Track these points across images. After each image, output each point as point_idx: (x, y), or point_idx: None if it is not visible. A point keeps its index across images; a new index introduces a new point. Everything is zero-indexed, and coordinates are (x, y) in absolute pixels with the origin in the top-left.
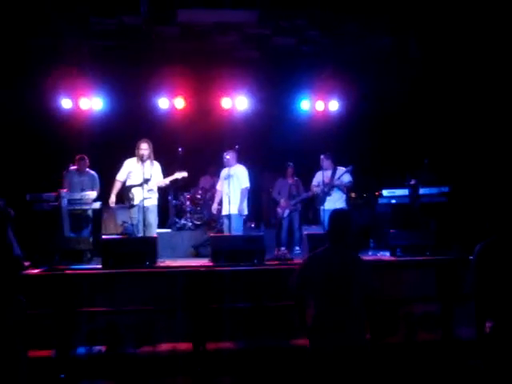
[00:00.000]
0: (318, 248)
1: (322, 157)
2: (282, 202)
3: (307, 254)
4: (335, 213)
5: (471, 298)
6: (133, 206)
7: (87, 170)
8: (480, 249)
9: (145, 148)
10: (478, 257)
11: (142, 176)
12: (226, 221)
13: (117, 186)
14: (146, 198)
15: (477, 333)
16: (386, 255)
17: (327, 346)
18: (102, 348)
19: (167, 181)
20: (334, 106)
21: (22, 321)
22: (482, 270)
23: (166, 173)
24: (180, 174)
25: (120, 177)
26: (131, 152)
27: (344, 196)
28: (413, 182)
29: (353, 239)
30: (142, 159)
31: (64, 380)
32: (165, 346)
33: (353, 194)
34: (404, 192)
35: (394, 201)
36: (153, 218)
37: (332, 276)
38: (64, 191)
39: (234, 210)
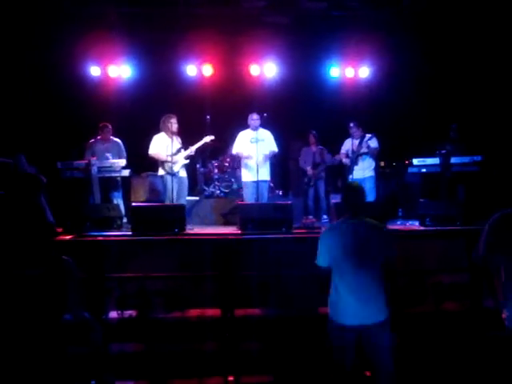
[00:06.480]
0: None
1: (350, 125)
2: (309, 170)
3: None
4: (347, 187)
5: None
6: (165, 174)
7: (111, 137)
8: (497, 218)
9: (176, 124)
10: (492, 225)
11: (175, 148)
12: (250, 187)
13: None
14: (179, 169)
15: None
16: (414, 225)
17: (348, 322)
18: (133, 313)
19: (195, 147)
20: (364, 72)
21: (76, 278)
22: (493, 239)
23: (195, 140)
24: (208, 138)
25: (152, 151)
26: (158, 120)
27: (373, 164)
28: (444, 150)
29: (367, 210)
30: (172, 133)
31: None
32: (193, 312)
33: (382, 163)
34: (435, 161)
35: (424, 170)
36: (185, 189)
37: (349, 247)
38: (94, 159)
39: (264, 176)
